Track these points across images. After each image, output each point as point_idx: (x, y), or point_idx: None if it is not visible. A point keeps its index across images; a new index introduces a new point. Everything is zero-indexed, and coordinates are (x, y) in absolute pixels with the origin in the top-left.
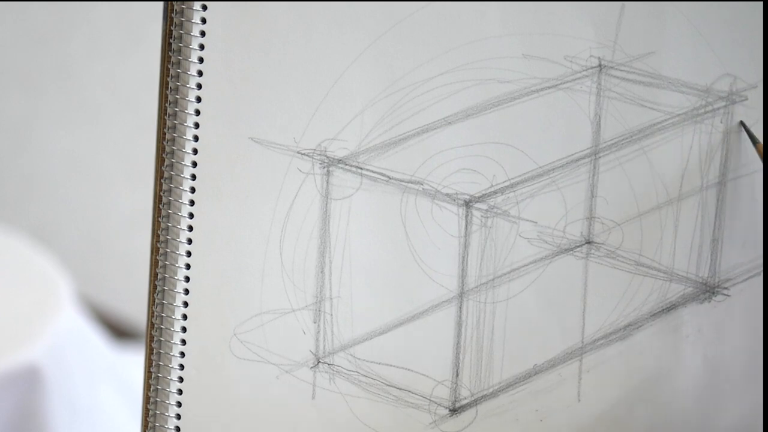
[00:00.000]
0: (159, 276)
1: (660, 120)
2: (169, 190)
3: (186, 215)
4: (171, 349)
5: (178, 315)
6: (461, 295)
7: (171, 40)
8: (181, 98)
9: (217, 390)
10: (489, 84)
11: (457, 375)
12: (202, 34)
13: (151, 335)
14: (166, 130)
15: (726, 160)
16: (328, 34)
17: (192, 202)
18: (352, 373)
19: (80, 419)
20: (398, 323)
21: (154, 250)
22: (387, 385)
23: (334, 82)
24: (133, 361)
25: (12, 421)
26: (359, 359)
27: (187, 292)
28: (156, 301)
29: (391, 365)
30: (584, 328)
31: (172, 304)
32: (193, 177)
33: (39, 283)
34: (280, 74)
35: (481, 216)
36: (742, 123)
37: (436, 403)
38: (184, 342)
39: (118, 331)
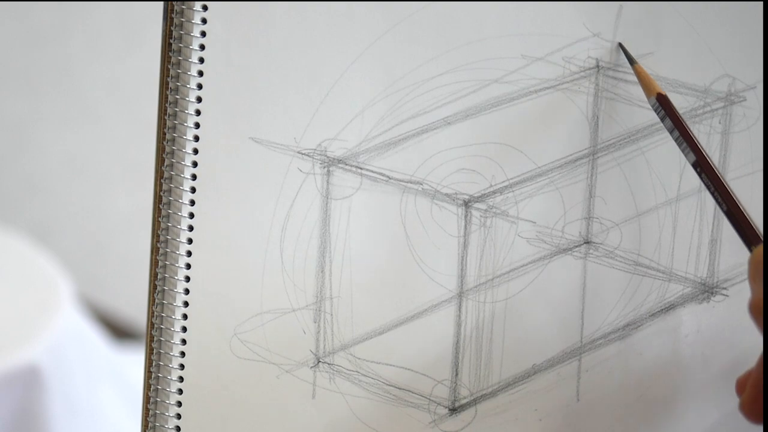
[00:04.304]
0: (159, 276)
1: (658, 120)
2: (169, 190)
3: (186, 215)
4: (171, 349)
5: (178, 315)
6: (460, 294)
7: (171, 40)
8: (181, 98)
9: (217, 390)
10: (488, 84)
11: (457, 374)
12: (203, 34)
13: (151, 335)
14: (166, 130)
15: (724, 161)
16: (328, 34)
17: (192, 202)
18: (352, 372)
19: (80, 419)
20: (398, 323)
21: (154, 250)
22: (387, 384)
23: (334, 82)
24: (133, 361)
25: (12, 421)
26: (359, 359)
27: (187, 292)
28: (156, 301)
29: (391, 365)
30: (583, 328)
31: (172, 304)
32: (193, 177)
33: (39, 283)
34: (280, 74)
35: (480, 216)
36: (620, 44)
37: (435, 402)
38: (184, 342)
39: (118, 331)
